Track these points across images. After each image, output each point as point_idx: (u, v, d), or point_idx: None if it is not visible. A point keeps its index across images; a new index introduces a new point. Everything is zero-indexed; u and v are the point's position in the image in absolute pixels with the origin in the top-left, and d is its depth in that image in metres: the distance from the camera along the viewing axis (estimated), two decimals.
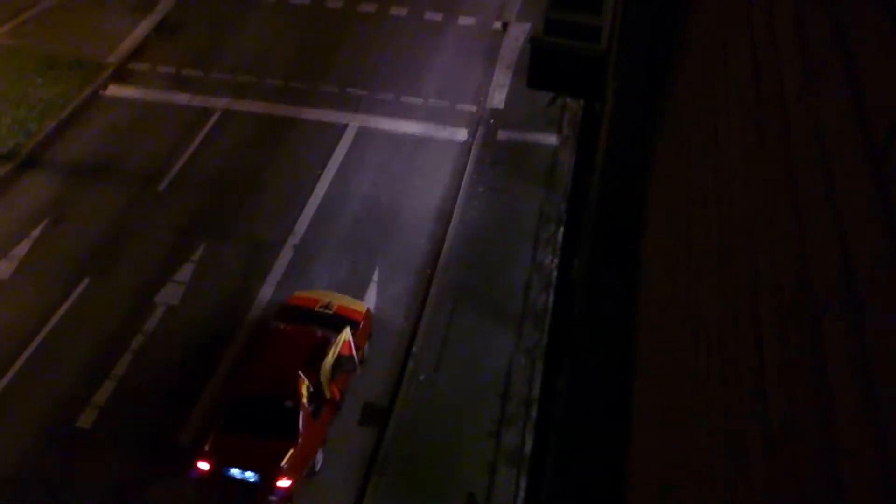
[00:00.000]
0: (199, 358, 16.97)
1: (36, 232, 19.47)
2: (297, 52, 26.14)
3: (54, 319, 17.50)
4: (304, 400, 14.43)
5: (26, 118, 22.46)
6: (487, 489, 15.04)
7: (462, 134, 23.16)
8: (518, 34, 27.00)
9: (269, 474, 13.94)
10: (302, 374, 14.64)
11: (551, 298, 17.94)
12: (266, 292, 18.35)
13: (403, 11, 28.15)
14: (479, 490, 14.87)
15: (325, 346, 15.25)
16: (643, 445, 4.19)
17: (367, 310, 16.92)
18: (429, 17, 27.96)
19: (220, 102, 23.84)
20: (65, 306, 17.77)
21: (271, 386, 14.53)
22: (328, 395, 15.04)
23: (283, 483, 13.97)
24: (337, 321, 15.92)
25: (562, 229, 18.99)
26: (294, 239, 19.64)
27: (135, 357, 16.91)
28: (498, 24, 27.71)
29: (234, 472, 14.08)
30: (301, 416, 14.26)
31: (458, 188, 21.26)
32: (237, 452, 14.08)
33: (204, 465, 14.15)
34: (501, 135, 23.07)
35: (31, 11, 27.01)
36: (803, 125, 1.78)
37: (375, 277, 18.81)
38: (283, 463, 13.97)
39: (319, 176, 21.46)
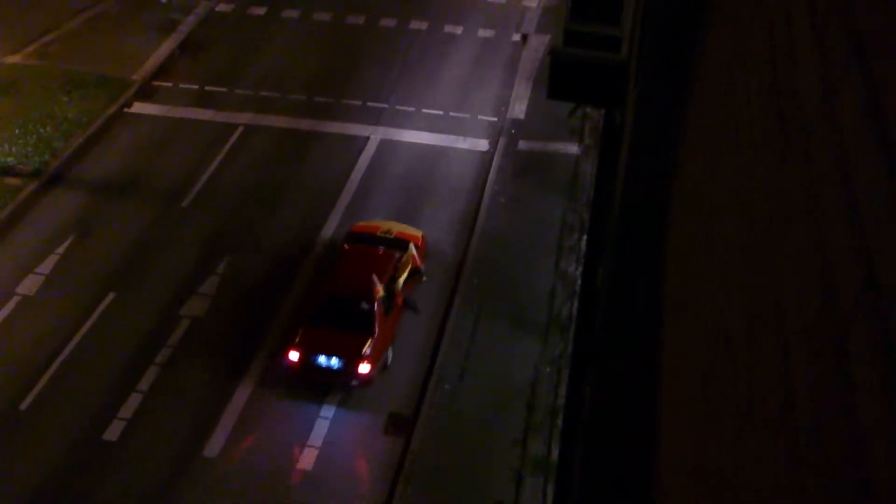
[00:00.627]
0: (224, 369, 17.07)
1: (62, 248, 19.71)
2: (319, 67, 26.33)
3: (80, 334, 17.69)
4: (378, 301, 16.49)
5: (52, 136, 22.78)
6: (514, 498, 15.00)
7: (483, 145, 23.20)
8: (537, 46, 27.05)
9: (351, 361, 15.96)
10: (376, 281, 16.70)
11: (576, 307, 17.90)
12: (290, 303, 18.44)
13: (424, 25, 28.29)
14: (507, 499, 14.84)
15: (391, 260, 17.47)
16: (670, 453, 4.18)
17: (423, 234, 19.05)
18: (448, 30, 28.08)
19: (244, 118, 24.05)
20: (91, 321, 17.96)
21: (350, 290, 16.73)
22: (399, 299, 17.34)
23: (364, 368, 15.99)
24: (398, 243, 18.22)
25: (585, 238, 18.96)
26: (317, 251, 19.73)
27: (161, 370, 17.04)
28: (517, 36, 27.78)
29: (321, 359, 16.08)
30: (376, 314, 16.39)
31: (481, 198, 21.29)
32: (323, 342, 16.14)
33: (294, 355, 16.15)
34: (523, 145, 23.09)
35: (55, 32, 27.41)
36: (824, 136, 1.79)
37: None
38: (364, 350, 16.04)
39: (342, 188, 21.57)
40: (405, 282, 17.61)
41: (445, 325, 18.04)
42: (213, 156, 22.63)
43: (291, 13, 28.99)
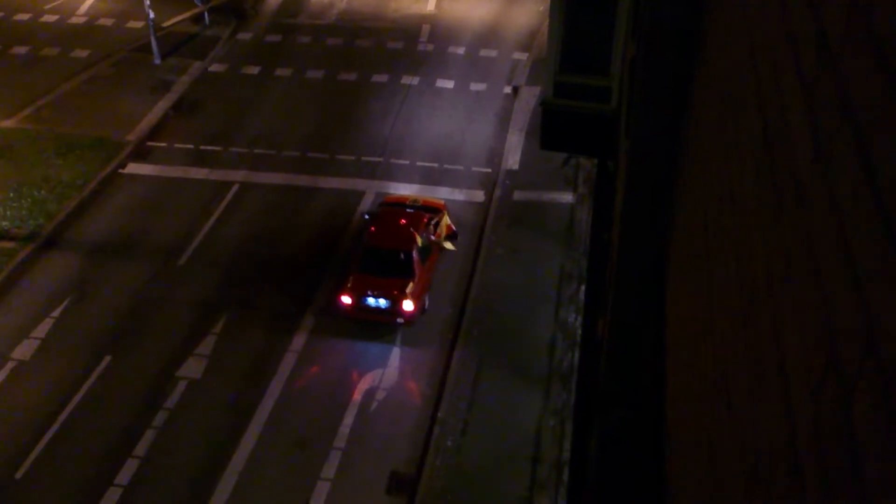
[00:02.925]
0: (221, 430, 16.86)
1: (57, 311, 19.62)
2: (313, 123, 26.55)
3: (76, 399, 17.51)
4: (416, 251, 19.05)
5: (47, 199, 22.84)
6: None
7: (479, 195, 23.28)
8: (529, 97, 27.31)
9: (396, 300, 18.39)
10: (415, 233, 19.36)
11: (577, 357, 17.77)
12: (288, 363, 18.30)
13: (415, 80, 28.60)
14: None
15: (422, 218, 20.08)
16: None
17: (444, 203, 21.82)
18: (440, 85, 28.37)
19: (238, 175, 24.15)
20: (86, 385, 17.79)
21: (390, 242, 19.18)
22: (439, 248, 20.37)
23: (408, 306, 18.42)
24: (425, 209, 20.99)
25: (584, 287, 18.90)
26: (317, 305, 19.65)
27: (157, 433, 16.83)
28: (508, 89, 28.07)
29: (370, 301, 18.50)
30: (415, 261, 18.91)
31: (478, 249, 21.29)
32: (371, 286, 18.53)
33: (347, 299, 18.60)
34: (518, 195, 23.17)
35: (50, 96, 27.66)
36: (818, 195, 1.75)
37: (398, 342, 18.74)
38: (407, 291, 18.47)
39: (338, 243, 21.58)
40: (440, 243, 20.62)
41: (446, 377, 17.90)
42: (208, 214, 22.67)
43: (284, 72, 29.30)
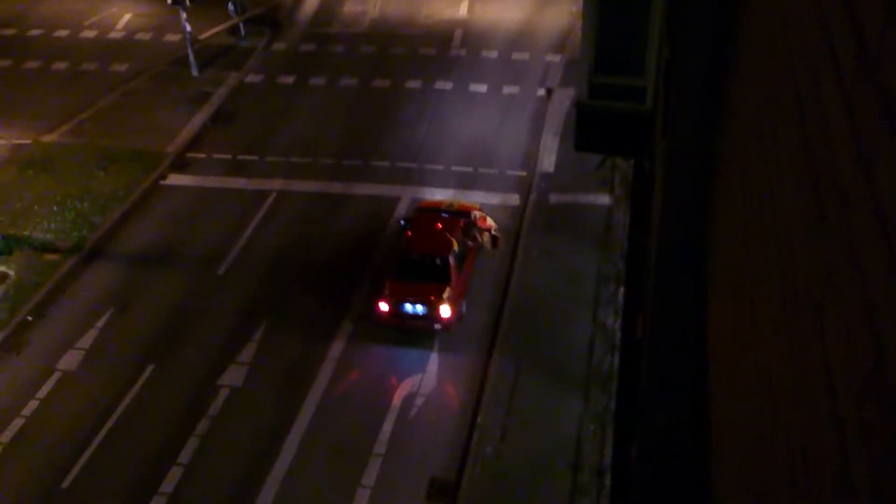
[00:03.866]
0: (262, 438, 17.01)
1: (101, 322, 19.93)
2: (347, 131, 26.71)
3: (121, 408, 17.77)
4: (452, 256, 18.92)
5: (89, 211, 23.22)
6: None
7: (514, 199, 23.25)
8: (562, 99, 27.23)
9: (433, 305, 18.30)
10: (451, 238, 19.27)
11: (617, 360, 17.65)
12: (327, 370, 18.41)
13: (448, 85, 28.65)
14: None
15: (458, 223, 19.97)
16: None
17: (480, 207, 21.62)
18: (473, 89, 28.40)
19: (276, 184, 24.37)
20: (130, 394, 18.05)
21: (426, 248, 19.12)
22: (486, 245, 20.58)
23: (445, 312, 18.29)
24: (460, 214, 20.76)
25: (622, 289, 18.78)
26: (354, 310, 19.75)
27: (201, 441, 17.02)
28: (542, 91, 28.00)
29: (407, 307, 18.42)
30: (451, 267, 18.78)
31: (514, 253, 21.25)
32: (408, 293, 18.44)
33: (384, 306, 18.51)
34: (553, 198, 23.10)
35: (89, 111, 28.14)
36: (861, 200, 1.74)
37: (436, 348, 18.76)
38: (444, 296, 18.35)
39: (375, 248, 21.68)
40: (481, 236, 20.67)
41: (484, 382, 17.88)
42: (246, 223, 22.90)
43: (318, 81, 29.52)
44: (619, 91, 11.13)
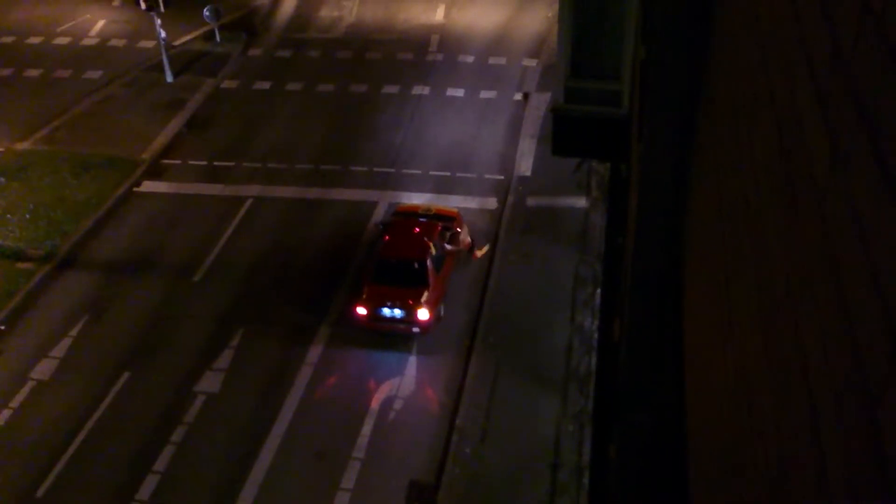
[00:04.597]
0: (240, 444, 16.89)
1: (75, 330, 19.73)
2: (324, 136, 26.64)
3: (95, 416, 17.59)
4: (430, 260, 18.95)
5: (63, 219, 22.99)
6: None
7: (492, 203, 23.28)
8: (539, 104, 27.31)
9: (411, 309, 18.30)
10: (429, 242, 19.29)
11: (594, 361, 17.71)
12: (305, 375, 18.32)
13: (426, 90, 28.65)
14: None
15: (435, 227, 19.98)
16: None
17: (458, 211, 21.66)
18: (450, 94, 28.42)
19: (252, 190, 24.25)
20: (106, 402, 17.88)
21: (403, 252, 19.10)
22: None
23: (423, 315, 18.32)
24: (438, 218, 20.90)
25: (599, 291, 18.85)
26: (331, 317, 19.68)
27: (176, 449, 16.87)
28: (519, 96, 28.07)
29: (385, 311, 18.43)
30: (429, 270, 18.80)
31: (492, 256, 21.27)
32: (386, 297, 18.44)
33: (362, 310, 18.54)
34: (531, 201, 23.15)
35: (63, 118, 27.87)
36: (836, 200, 1.75)
37: (414, 351, 18.74)
38: (422, 300, 18.37)
39: (353, 253, 21.62)
40: (459, 241, 20.71)
41: (463, 385, 17.87)
42: (223, 229, 22.76)
43: (295, 86, 29.43)
44: (596, 95, 11.17)
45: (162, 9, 28.35)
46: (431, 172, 24.54)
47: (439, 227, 20.15)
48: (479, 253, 21.08)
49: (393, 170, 24.75)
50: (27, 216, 23.10)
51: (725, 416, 3.33)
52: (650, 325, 6.93)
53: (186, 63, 30.74)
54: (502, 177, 24.27)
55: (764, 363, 2.55)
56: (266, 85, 29.57)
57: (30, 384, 18.40)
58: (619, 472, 7.54)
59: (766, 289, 2.58)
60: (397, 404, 17.60)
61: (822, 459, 1.85)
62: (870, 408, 1.57)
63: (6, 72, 30.82)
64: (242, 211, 23.45)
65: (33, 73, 30.67)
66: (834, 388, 1.81)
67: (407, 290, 18.54)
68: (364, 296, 18.65)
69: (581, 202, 22.98)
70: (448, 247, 20.03)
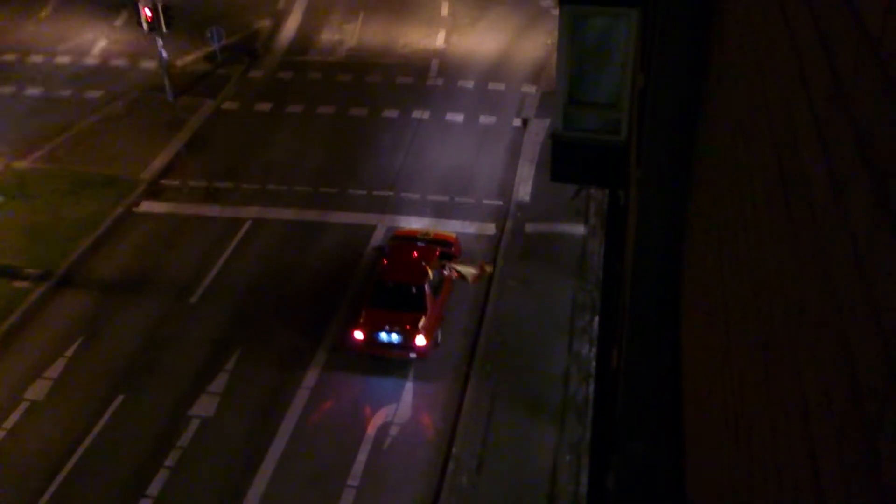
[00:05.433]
0: (234, 468, 16.76)
1: (70, 350, 19.64)
2: (324, 159, 26.69)
3: (89, 439, 17.46)
4: (428, 285, 18.90)
5: (60, 238, 22.96)
6: None
7: (490, 228, 23.29)
8: (538, 130, 27.41)
9: (409, 335, 18.18)
10: (427, 267, 19.23)
11: (592, 389, 17.62)
12: (301, 399, 18.22)
13: (425, 115, 28.76)
14: None
15: (433, 252, 20.03)
16: None
17: (456, 236, 21.79)
18: (450, 119, 28.53)
19: (251, 212, 24.26)
20: (100, 424, 17.75)
21: (401, 276, 19.05)
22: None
23: (420, 341, 18.18)
24: (436, 242, 20.96)
25: (597, 318, 18.81)
26: (327, 340, 19.61)
27: (170, 473, 16.74)
28: (518, 122, 28.18)
29: (382, 336, 18.31)
30: (427, 296, 18.72)
31: (490, 282, 21.24)
32: (383, 321, 18.31)
33: (359, 335, 18.40)
34: (529, 227, 23.17)
35: (63, 136, 27.93)
36: (835, 227, 1.73)
37: (411, 377, 18.66)
38: (419, 325, 18.27)
39: (351, 276, 21.59)
40: (453, 268, 20.60)
41: (460, 412, 17.77)
42: (220, 251, 22.74)
43: (295, 108, 29.54)
44: (594, 122, 11.21)
45: (164, 30, 28.48)
46: (430, 197, 24.58)
47: (437, 252, 20.15)
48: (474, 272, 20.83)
49: (392, 193, 24.79)
50: (24, 234, 23.08)
51: (724, 445, 3.30)
52: (648, 353, 6.90)
53: (187, 84, 30.87)
54: (501, 202, 24.31)
55: (762, 392, 2.52)
56: (266, 107, 29.68)
57: (24, 405, 18.28)
58: (617, 502, 7.47)
59: (764, 317, 2.56)
60: (393, 430, 17.49)
61: (820, 489, 1.82)
62: (869, 436, 1.54)
63: (7, 90, 30.94)
64: (241, 233, 23.44)
65: (34, 91, 30.78)
66: (833, 417, 1.79)
67: (405, 315, 18.44)
68: (361, 320, 18.57)
69: (579, 229, 23.00)
70: (445, 272, 20.02)
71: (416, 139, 27.44)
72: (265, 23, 35.34)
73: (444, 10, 35.58)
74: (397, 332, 18.26)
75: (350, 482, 16.43)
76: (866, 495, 1.53)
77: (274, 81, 31.41)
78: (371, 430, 17.45)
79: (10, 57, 33.27)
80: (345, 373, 18.82)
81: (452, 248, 21.13)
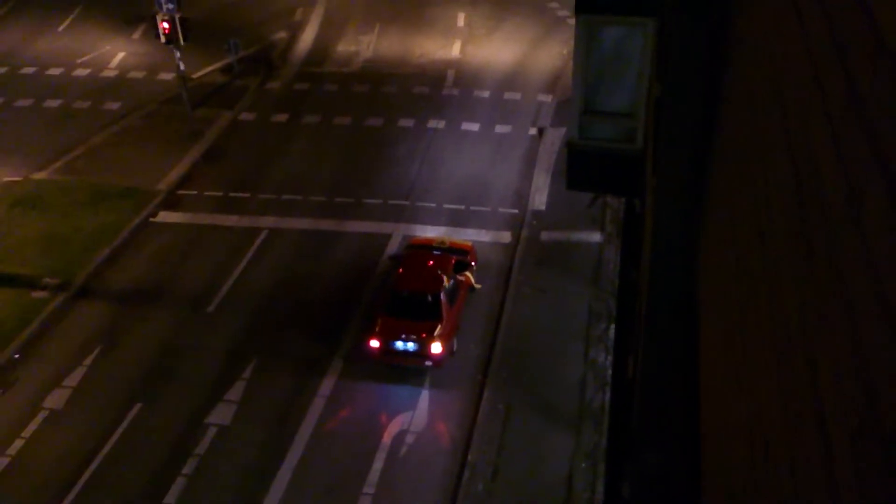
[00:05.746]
0: (251, 476, 16.80)
1: (89, 360, 19.77)
2: (339, 168, 26.78)
3: (108, 447, 17.56)
4: (443, 293, 19.00)
5: (78, 249, 23.14)
6: None
7: (506, 237, 23.28)
8: (554, 139, 27.40)
9: (425, 343, 18.28)
10: (443, 275, 19.34)
11: (608, 397, 17.56)
12: (317, 407, 18.26)
13: (441, 124, 28.82)
14: None
15: (449, 261, 20.05)
16: None
17: (472, 244, 21.77)
18: (466, 128, 28.57)
19: (267, 222, 24.36)
20: (118, 433, 17.85)
21: (417, 285, 19.15)
22: (472, 285, 20.71)
23: (436, 349, 18.26)
24: (452, 251, 21.03)
25: (613, 326, 18.75)
26: (344, 347, 19.65)
27: (187, 481, 16.80)
28: (533, 130, 28.19)
29: (399, 344, 18.40)
30: (443, 304, 18.81)
31: (505, 290, 21.23)
32: (399, 330, 18.42)
33: (375, 343, 18.47)
34: (545, 236, 23.15)
35: (81, 148, 28.17)
36: (851, 241, 1.73)
37: (427, 385, 18.65)
38: (435, 333, 18.36)
39: (366, 285, 21.63)
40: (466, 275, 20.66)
41: (475, 420, 17.75)
42: (237, 261, 22.84)
43: (312, 119, 29.67)
44: (610, 131, 11.20)
45: (182, 42, 28.69)
46: (446, 205, 24.60)
47: (453, 261, 20.19)
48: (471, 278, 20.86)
49: (407, 202, 24.83)
50: (43, 245, 23.27)
51: (741, 455, 3.29)
52: (664, 361, 6.88)
53: (204, 95, 31.07)
54: (517, 211, 24.30)
55: (779, 401, 2.52)
56: (283, 117, 29.83)
57: (42, 413, 18.41)
58: None
59: (780, 326, 2.55)
60: (409, 439, 17.49)
61: (838, 500, 1.81)
62: (886, 447, 1.54)
63: (26, 102, 31.24)
64: (257, 242, 23.54)
65: (53, 103, 31.07)
66: (849, 428, 1.78)
67: (420, 324, 18.54)
68: (377, 328, 18.64)
69: (595, 237, 22.96)
70: (461, 278, 20.07)
71: (431, 148, 27.49)
72: (282, 35, 35.54)
73: (461, 21, 35.67)
74: (413, 341, 18.36)
75: (366, 490, 16.43)
76: None
77: (290, 92, 31.57)
78: (387, 438, 17.46)
79: (29, 70, 33.60)
80: (361, 381, 18.84)
81: (468, 257, 21.18)
